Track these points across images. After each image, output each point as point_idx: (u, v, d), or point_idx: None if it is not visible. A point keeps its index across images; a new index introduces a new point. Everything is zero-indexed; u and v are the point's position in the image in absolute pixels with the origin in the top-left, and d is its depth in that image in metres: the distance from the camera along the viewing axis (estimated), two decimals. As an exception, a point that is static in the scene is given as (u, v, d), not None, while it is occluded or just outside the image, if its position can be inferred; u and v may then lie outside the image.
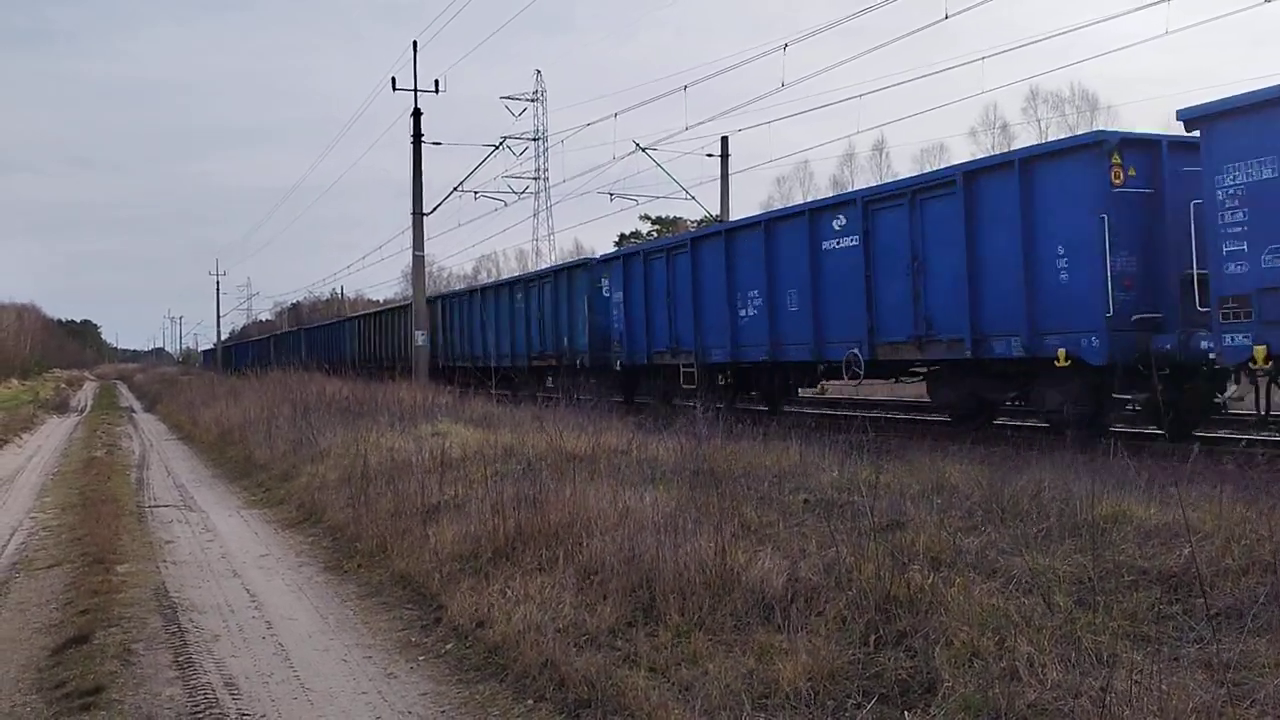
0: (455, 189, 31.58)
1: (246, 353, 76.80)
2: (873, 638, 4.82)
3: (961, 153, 63.31)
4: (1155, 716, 3.70)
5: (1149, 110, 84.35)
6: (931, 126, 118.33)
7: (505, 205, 33.87)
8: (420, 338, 28.29)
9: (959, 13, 18.11)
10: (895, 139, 74.05)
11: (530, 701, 5.04)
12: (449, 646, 6.06)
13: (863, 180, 62.03)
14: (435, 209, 30.44)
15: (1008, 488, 7.17)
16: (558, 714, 4.86)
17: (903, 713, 4.21)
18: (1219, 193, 10.02)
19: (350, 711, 5.20)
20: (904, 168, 64.10)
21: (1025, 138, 57.07)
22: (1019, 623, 4.64)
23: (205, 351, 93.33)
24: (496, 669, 5.51)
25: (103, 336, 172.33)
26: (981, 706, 4.04)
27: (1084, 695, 3.92)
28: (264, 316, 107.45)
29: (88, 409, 41.10)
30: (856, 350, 14.51)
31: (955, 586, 5.14)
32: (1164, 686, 3.85)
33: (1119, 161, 11.16)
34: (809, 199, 48.33)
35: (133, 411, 38.15)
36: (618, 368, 21.12)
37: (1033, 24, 79.74)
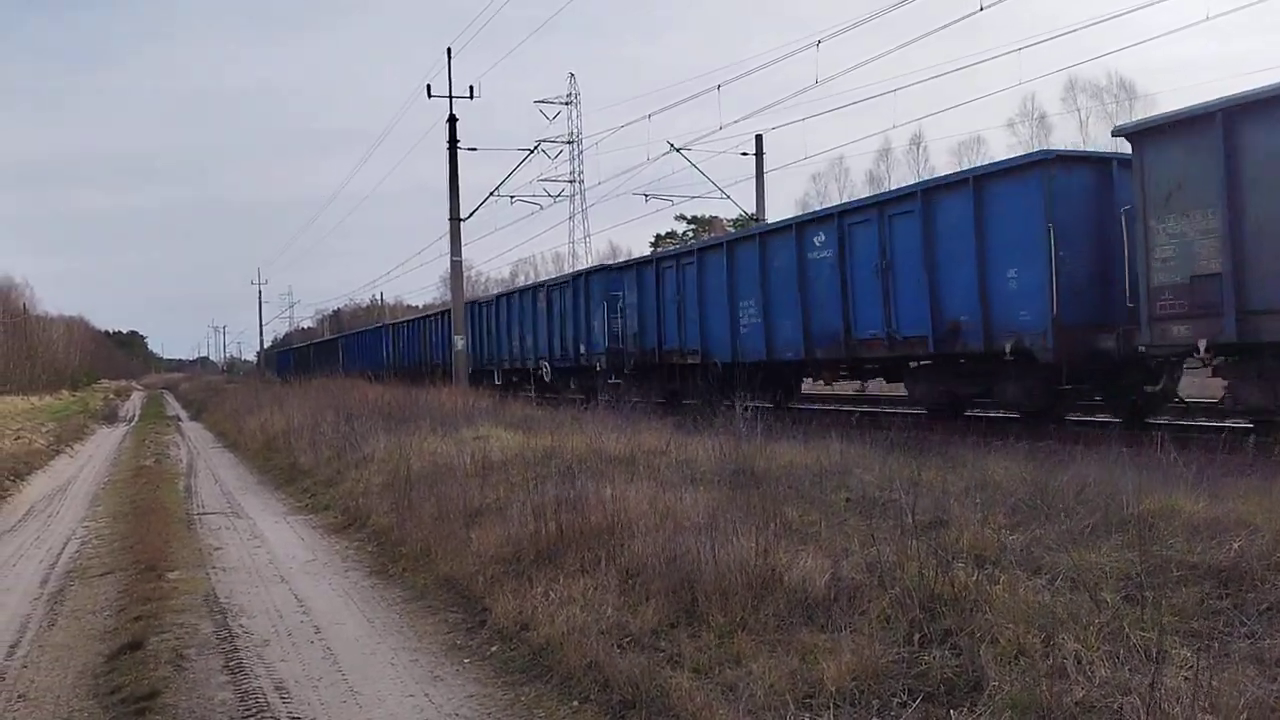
0: (491, 194, 31.78)
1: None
2: (917, 636, 4.80)
3: (999, 145, 62.62)
4: (1206, 713, 3.66)
5: (1189, 98, 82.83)
6: (969, 119, 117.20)
7: (541, 209, 34.15)
8: (459, 342, 28.46)
9: (993, 4, 17.93)
10: (932, 133, 73.40)
11: (575, 703, 5.07)
12: (494, 649, 6.12)
13: (899, 176, 61.55)
14: (472, 214, 30.71)
15: (1052, 483, 7.10)
16: (603, 715, 4.89)
17: (948, 711, 4.19)
18: None
19: (398, 714, 5.26)
20: (941, 162, 63.49)
21: (1064, 128, 56.30)
22: (1065, 620, 4.60)
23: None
24: (541, 671, 5.55)
25: (149, 347, 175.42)
26: (1028, 704, 4.01)
27: (1133, 692, 3.87)
28: (305, 324, 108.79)
29: (136, 418, 41.84)
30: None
31: (1000, 584, 5.10)
32: (1214, 682, 3.81)
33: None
34: (843, 199, 48.21)
35: (179, 420, 38.76)
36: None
37: (1069, 12, 78.56)
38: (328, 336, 73.36)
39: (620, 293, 22.55)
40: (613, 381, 22.26)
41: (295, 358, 73.73)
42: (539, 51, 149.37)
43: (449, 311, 34.15)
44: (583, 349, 24.30)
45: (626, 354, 22.15)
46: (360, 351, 51.11)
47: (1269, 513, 5.80)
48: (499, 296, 32.16)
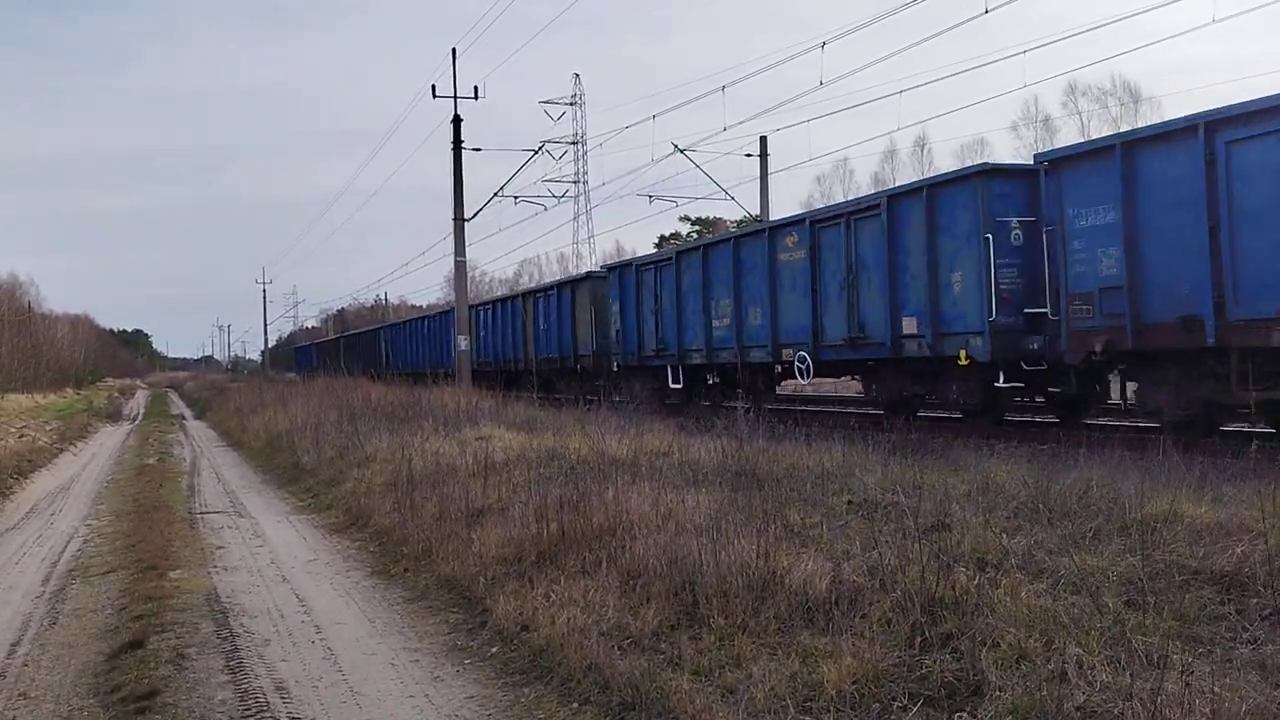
0: (496, 194, 31.80)
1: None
2: (918, 640, 4.78)
3: (1004, 148, 62.50)
4: (1207, 719, 3.64)
5: (1194, 100, 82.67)
6: (974, 121, 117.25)
7: (545, 209, 33.96)
8: (463, 343, 28.45)
9: (999, 6, 17.90)
10: (937, 135, 73.31)
11: (575, 704, 5.06)
12: (494, 650, 6.11)
13: (904, 178, 61.51)
14: (476, 214, 30.64)
15: (1055, 487, 7.08)
16: (603, 717, 4.88)
17: (949, 716, 4.17)
18: None
19: (398, 715, 5.26)
20: (946, 164, 63.47)
21: (1067, 131, 56.24)
22: (1067, 624, 4.58)
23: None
24: (542, 672, 5.55)
25: (154, 345, 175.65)
26: (1029, 709, 4.00)
27: (1134, 698, 3.86)
28: (310, 323, 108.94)
29: (140, 417, 41.89)
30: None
31: (1002, 588, 5.09)
32: (1217, 688, 3.79)
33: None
34: (850, 197, 48.06)
35: (183, 419, 38.80)
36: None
37: (1075, 14, 78.53)
38: (366, 328, 61.90)
39: (1022, 216, 12.44)
40: (1006, 385, 12.51)
41: (319, 354, 65.83)
42: (542, 52, 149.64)
43: (570, 284, 26.89)
44: (912, 327, 13.84)
45: (1069, 331, 11.57)
46: (417, 345, 40.25)
47: (1272, 517, 5.77)
48: (680, 252, 21.02)
